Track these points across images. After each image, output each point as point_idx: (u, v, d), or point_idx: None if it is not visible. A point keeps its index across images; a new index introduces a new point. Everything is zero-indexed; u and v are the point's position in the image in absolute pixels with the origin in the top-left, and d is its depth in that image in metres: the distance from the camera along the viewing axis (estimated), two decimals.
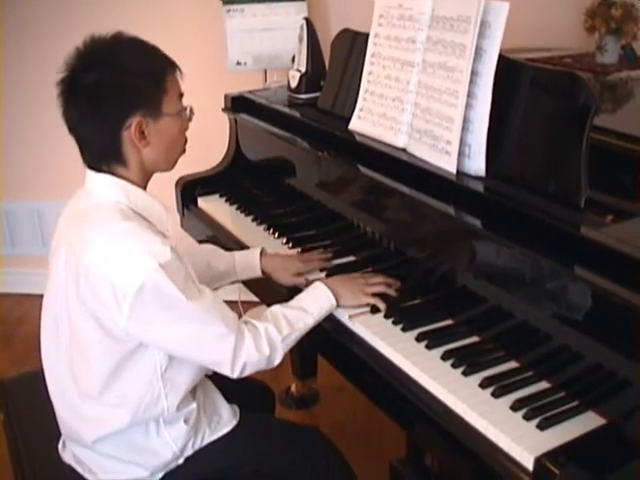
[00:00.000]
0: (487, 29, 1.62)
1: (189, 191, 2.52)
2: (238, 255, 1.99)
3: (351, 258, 1.99)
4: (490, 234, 1.54)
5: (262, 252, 1.97)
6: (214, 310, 1.52)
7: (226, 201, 2.46)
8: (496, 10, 1.60)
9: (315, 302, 1.69)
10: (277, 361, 1.60)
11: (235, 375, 1.56)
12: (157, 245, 1.45)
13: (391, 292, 1.76)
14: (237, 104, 2.51)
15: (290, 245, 2.10)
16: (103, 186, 1.54)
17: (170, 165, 1.63)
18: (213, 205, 2.46)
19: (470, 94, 1.65)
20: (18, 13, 3.47)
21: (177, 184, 2.54)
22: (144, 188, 1.59)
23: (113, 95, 1.48)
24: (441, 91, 1.72)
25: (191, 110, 1.63)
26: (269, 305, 1.69)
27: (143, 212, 1.55)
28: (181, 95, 1.59)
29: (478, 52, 1.63)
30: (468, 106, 1.66)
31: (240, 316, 1.60)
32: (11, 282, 3.89)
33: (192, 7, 3.24)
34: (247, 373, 1.57)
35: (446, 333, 1.62)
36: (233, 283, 2.02)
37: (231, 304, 1.62)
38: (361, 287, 1.75)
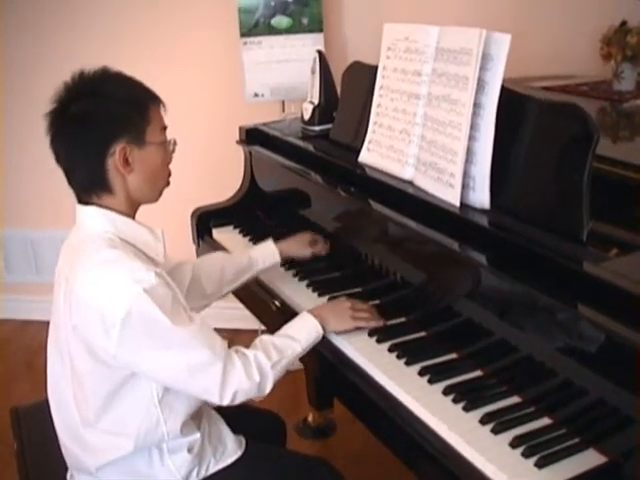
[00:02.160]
0: (489, 61, 1.62)
1: (204, 222, 2.53)
2: (252, 250, 2.10)
3: (358, 289, 1.99)
4: (493, 269, 1.54)
5: (274, 241, 2.11)
6: (201, 336, 1.53)
7: (239, 232, 2.48)
8: (498, 42, 1.60)
9: (302, 331, 1.71)
10: (268, 388, 1.61)
11: (225, 403, 1.56)
12: (141, 271, 1.47)
13: (376, 318, 1.79)
14: (251, 136, 2.53)
15: (299, 277, 2.10)
16: (91, 218, 1.58)
17: (155, 196, 1.66)
18: (227, 236, 2.48)
19: (473, 126, 1.65)
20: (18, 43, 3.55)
21: (193, 215, 2.56)
22: (132, 217, 1.62)
23: (98, 122, 1.53)
24: (445, 124, 1.72)
25: (174, 143, 1.67)
26: (265, 323, 1.71)
27: (131, 240, 1.58)
28: (164, 128, 1.64)
29: (481, 84, 1.63)
30: (472, 138, 1.65)
31: (230, 345, 1.60)
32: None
33: (211, 40, 3.29)
34: (238, 401, 1.58)
35: (449, 367, 1.61)
36: (256, 275, 2.08)
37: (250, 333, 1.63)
38: (348, 311, 1.78)
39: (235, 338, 3.38)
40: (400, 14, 2.91)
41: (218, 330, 1.62)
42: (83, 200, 1.59)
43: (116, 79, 1.60)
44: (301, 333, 1.70)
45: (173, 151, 1.67)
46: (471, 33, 1.62)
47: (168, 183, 1.67)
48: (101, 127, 1.53)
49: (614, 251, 1.46)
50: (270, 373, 1.60)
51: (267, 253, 2.07)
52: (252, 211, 2.55)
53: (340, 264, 2.10)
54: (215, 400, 1.56)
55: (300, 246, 2.10)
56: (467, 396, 1.49)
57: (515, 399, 1.49)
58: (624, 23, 2.63)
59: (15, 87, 3.60)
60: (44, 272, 3.64)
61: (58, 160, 1.58)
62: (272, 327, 2.05)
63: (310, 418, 2.98)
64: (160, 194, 1.67)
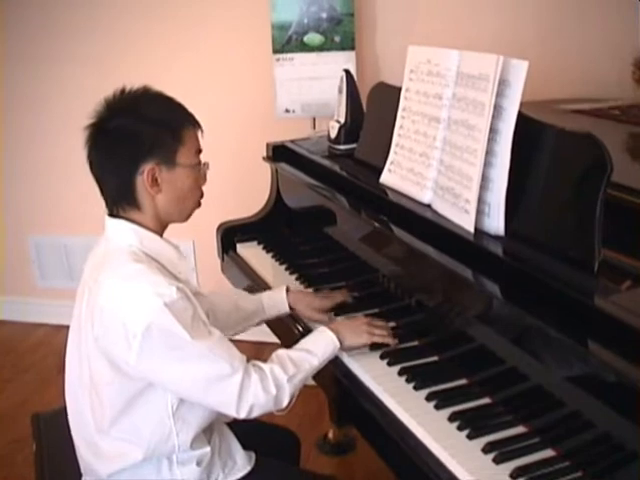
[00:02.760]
0: (507, 88, 1.61)
1: (229, 237, 2.56)
2: (265, 294, 2.05)
3: (374, 310, 1.99)
4: (504, 300, 1.53)
5: (288, 289, 2.03)
6: (220, 350, 1.55)
7: (263, 248, 2.50)
8: (515, 68, 1.60)
9: (319, 344, 1.71)
10: (285, 402, 1.62)
11: (242, 416, 1.57)
12: (163, 286, 1.50)
13: (390, 339, 1.79)
14: (278, 153, 2.55)
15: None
16: (119, 231, 1.62)
17: (183, 216, 1.69)
18: (250, 252, 2.50)
19: (490, 152, 1.64)
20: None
21: (218, 229, 2.59)
22: (160, 234, 1.66)
23: (129, 140, 1.57)
24: (462, 149, 1.71)
25: (207, 166, 1.69)
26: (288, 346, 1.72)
27: (155, 255, 1.61)
28: (199, 151, 1.67)
29: (498, 110, 1.63)
30: (488, 164, 1.65)
31: (248, 359, 1.62)
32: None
33: (244, 55, 3.33)
34: (255, 414, 1.59)
35: (457, 394, 1.60)
36: (260, 323, 2.06)
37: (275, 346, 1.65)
38: (364, 326, 1.78)
39: (260, 351, 3.41)
40: (433, 35, 2.93)
41: (243, 342, 1.63)
42: (113, 212, 1.64)
43: (154, 99, 1.64)
44: (318, 346, 1.71)
45: (205, 174, 1.70)
46: (489, 59, 1.62)
47: (199, 205, 1.70)
48: (132, 145, 1.56)
49: (626, 283, 1.44)
50: (287, 386, 1.60)
51: (277, 304, 2.02)
52: (277, 227, 2.57)
53: (359, 285, 2.10)
54: (232, 413, 1.57)
55: (309, 310, 1.99)
56: (472, 424, 1.49)
57: (520, 429, 1.47)
58: None
59: (49, 96, 3.68)
60: (77, 277, 3.69)
61: (91, 169, 1.63)
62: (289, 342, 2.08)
63: (330, 434, 2.98)
64: (189, 215, 1.70)
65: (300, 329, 2.00)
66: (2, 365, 3.69)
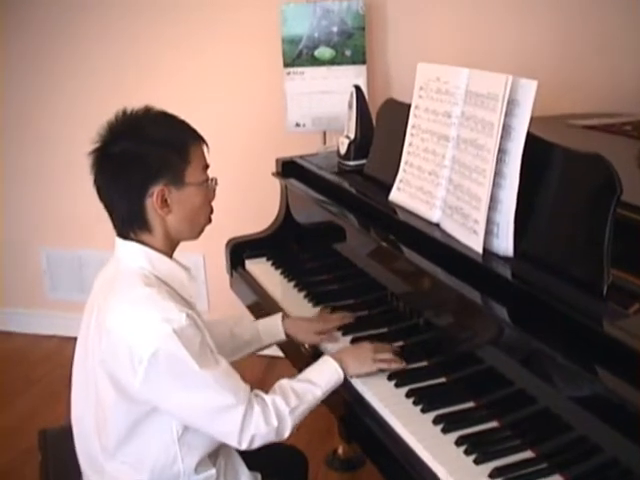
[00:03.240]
0: (516, 107, 1.60)
1: (238, 253, 2.55)
2: (261, 322, 2.03)
3: (383, 330, 1.98)
4: (512, 323, 1.51)
5: (283, 316, 2.02)
6: (225, 380, 1.54)
7: (272, 265, 2.49)
8: (524, 88, 1.58)
9: (322, 375, 1.70)
10: (287, 433, 1.61)
11: (243, 447, 1.57)
12: (173, 312, 1.49)
13: (398, 362, 1.77)
14: (287, 169, 2.54)
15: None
16: (129, 253, 1.61)
17: (195, 234, 1.68)
18: (259, 268, 2.49)
19: (499, 173, 1.63)
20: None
21: (227, 245, 2.58)
22: (170, 255, 1.65)
23: (136, 164, 1.55)
24: (471, 169, 1.70)
25: (215, 182, 1.68)
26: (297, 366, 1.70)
27: (166, 278, 1.60)
28: (206, 167, 1.65)
29: (507, 130, 1.61)
30: (497, 185, 1.63)
31: (251, 389, 1.61)
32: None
33: (254, 69, 3.33)
34: (256, 445, 1.58)
35: (464, 417, 1.59)
36: (257, 351, 2.03)
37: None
38: (369, 354, 1.76)
39: (272, 365, 3.41)
40: (445, 50, 2.92)
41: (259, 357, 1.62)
42: (122, 234, 1.63)
43: (157, 119, 1.62)
44: (321, 377, 1.69)
45: (214, 189, 1.69)
46: (498, 78, 1.61)
47: (210, 220, 1.70)
48: (139, 169, 1.55)
49: (634, 307, 1.42)
50: (289, 418, 1.59)
51: (273, 332, 2.00)
52: (286, 243, 2.56)
53: (367, 303, 2.08)
54: (233, 443, 1.57)
55: (307, 335, 1.98)
56: (479, 448, 1.47)
57: (528, 454, 1.45)
58: None
59: (61, 106, 3.70)
60: (87, 290, 3.68)
61: (99, 196, 1.61)
62: (296, 361, 2.11)
63: (340, 450, 2.96)
64: (201, 232, 1.69)
65: (306, 346, 2.00)
66: (12, 377, 3.68)
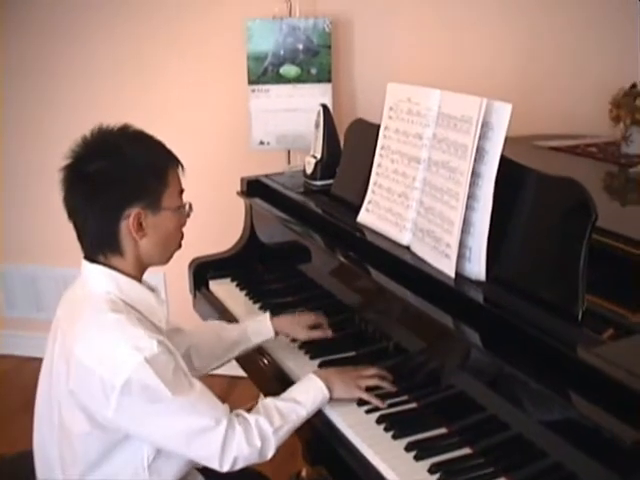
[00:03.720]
0: (489, 130, 1.58)
1: (201, 273, 2.50)
2: (249, 322, 2.00)
3: (352, 353, 1.94)
4: (484, 349, 1.49)
5: (271, 315, 2.01)
6: (202, 403, 1.49)
7: (237, 286, 2.44)
8: (499, 111, 1.57)
9: (308, 394, 1.65)
10: (270, 454, 1.56)
11: (225, 469, 1.52)
12: (143, 339, 1.44)
13: (386, 385, 1.73)
14: (252, 188, 2.50)
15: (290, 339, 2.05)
16: (96, 277, 1.55)
17: (165, 259, 1.63)
18: (223, 289, 2.44)
19: (472, 196, 1.61)
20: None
21: (190, 265, 2.52)
22: (139, 279, 1.60)
23: (115, 185, 1.50)
24: (443, 191, 1.68)
25: (190, 207, 1.64)
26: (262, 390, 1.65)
27: (135, 304, 1.54)
28: (181, 191, 1.61)
29: (480, 153, 1.59)
30: (469, 208, 1.61)
31: (232, 410, 1.56)
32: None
33: (219, 86, 3.28)
34: (239, 467, 1.53)
35: (437, 444, 1.55)
36: (244, 352, 1.99)
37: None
38: (355, 380, 1.71)
39: (234, 385, 3.36)
40: (411, 70, 2.91)
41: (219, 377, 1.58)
42: (90, 257, 1.57)
43: (136, 139, 1.57)
44: (307, 396, 1.65)
45: (188, 215, 1.65)
46: (472, 101, 1.59)
47: (180, 246, 1.65)
48: (117, 191, 1.50)
49: (609, 332, 1.41)
50: (272, 439, 1.55)
51: (262, 331, 1.98)
52: (251, 264, 2.52)
53: (335, 326, 2.05)
54: (215, 466, 1.51)
55: (298, 328, 1.98)
56: (452, 476, 1.44)
57: None
58: (634, 85, 2.60)
59: (17, 122, 3.59)
60: (45, 308, 3.64)
61: (70, 215, 1.55)
62: (257, 379, 2.07)
63: (304, 473, 2.90)
64: (170, 257, 1.64)
65: (266, 362, 1.98)
66: None
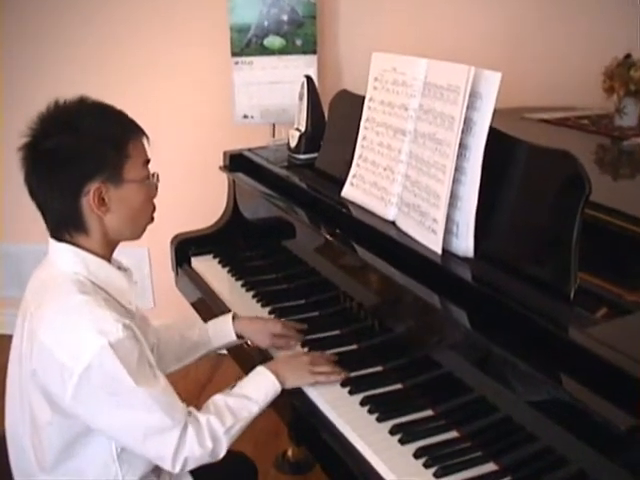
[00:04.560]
0: (478, 100, 1.51)
1: (183, 250, 2.43)
2: (211, 323, 1.92)
3: (336, 332, 1.89)
4: (472, 329, 1.43)
5: (234, 317, 1.91)
6: (163, 400, 1.43)
7: (219, 262, 2.38)
8: (488, 80, 1.50)
9: (259, 389, 1.59)
10: (221, 454, 1.51)
11: (176, 470, 1.46)
12: (109, 322, 1.37)
13: (337, 369, 1.68)
14: (235, 162, 2.44)
15: (274, 315, 2.01)
16: (63, 256, 1.49)
17: (137, 234, 1.57)
18: (205, 266, 2.38)
19: (459, 169, 1.54)
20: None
21: (172, 242, 2.46)
22: (108, 258, 1.53)
23: (70, 160, 1.43)
24: (430, 164, 1.61)
25: (157, 177, 1.56)
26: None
27: (103, 284, 1.49)
28: (147, 161, 1.53)
29: (468, 124, 1.53)
30: (457, 181, 1.55)
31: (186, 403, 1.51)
32: None
33: (201, 58, 3.19)
34: (189, 468, 1.49)
35: (423, 427, 1.50)
36: (208, 354, 1.93)
37: None
38: (306, 366, 1.67)
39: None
40: (398, 41, 2.82)
41: None
42: (56, 236, 1.50)
43: (93, 112, 1.48)
44: (258, 392, 1.59)
45: (156, 186, 1.57)
46: (459, 69, 1.52)
47: (152, 219, 1.58)
48: (74, 166, 1.43)
49: (602, 312, 1.36)
50: (224, 439, 1.50)
51: (223, 333, 1.90)
52: (234, 240, 2.45)
53: (318, 304, 1.99)
54: (167, 466, 1.46)
55: (261, 336, 1.88)
56: (439, 461, 1.39)
57: (491, 466, 1.38)
58: (628, 56, 2.52)
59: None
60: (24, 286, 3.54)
61: (32, 195, 1.48)
62: (240, 360, 2.03)
63: (290, 453, 2.86)
64: (142, 231, 1.57)
65: (249, 343, 1.91)
66: None
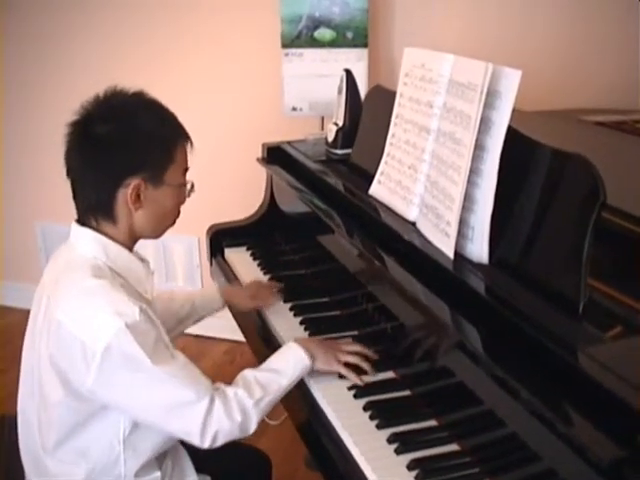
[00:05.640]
0: (497, 99, 1.44)
1: (218, 240, 2.42)
2: (198, 293, 2.02)
3: (354, 332, 1.85)
4: (480, 350, 1.35)
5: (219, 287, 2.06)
6: (183, 376, 1.43)
7: (251, 255, 2.36)
8: (507, 78, 1.42)
9: (288, 363, 1.58)
10: (252, 428, 1.49)
11: (206, 445, 1.45)
12: (125, 305, 1.38)
13: (365, 367, 1.65)
14: (273, 155, 2.40)
15: (294, 313, 1.98)
16: (85, 241, 1.50)
17: (157, 234, 1.58)
18: (237, 257, 2.36)
19: (475, 171, 1.48)
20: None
21: (208, 232, 2.45)
22: (130, 248, 1.54)
23: (120, 152, 1.44)
24: (447, 164, 1.55)
25: (192, 187, 1.58)
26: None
27: (121, 271, 1.49)
28: (186, 170, 1.55)
29: (487, 124, 1.46)
30: (473, 184, 1.48)
31: (213, 382, 1.49)
32: None
33: (251, 48, 3.17)
34: (220, 443, 1.47)
35: (422, 438, 1.45)
36: (196, 322, 1.97)
37: None
38: (336, 353, 1.64)
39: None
40: (454, 36, 2.76)
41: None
42: (82, 220, 1.51)
43: (149, 108, 1.50)
44: (287, 366, 1.58)
45: (189, 195, 1.58)
46: (477, 66, 1.45)
47: (173, 223, 1.59)
48: (122, 158, 1.44)
49: (614, 331, 1.28)
50: (253, 412, 1.48)
51: (211, 302, 1.99)
52: (269, 233, 2.43)
53: (341, 303, 1.95)
54: (195, 442, 1.45)
55: (243, 298, 2.01)
56: (432, 475, 1.33)
57: None
58: None
59: (57, 84, 3.57)
60: None
61: (68, 173, 1.50)
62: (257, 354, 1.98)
63: None
64: (163, 233, 1.59)
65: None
66: (7, 352, 3.58)
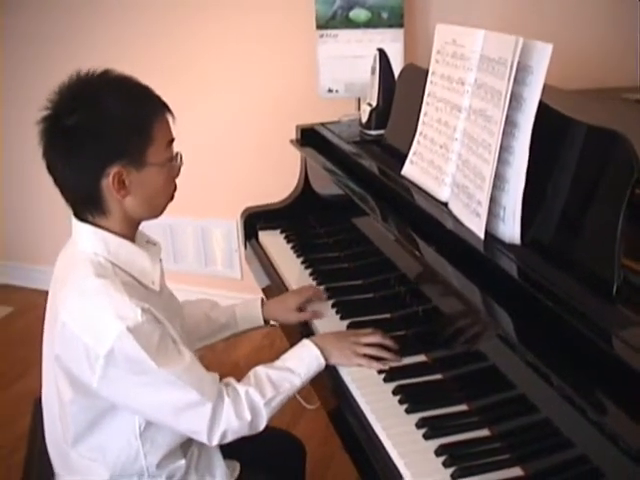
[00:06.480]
0: (529, 75, 1.39)
1: (252, 223, 2.41)
2: (239, 306, 1.89)
3: (386, 315, 1.82)
4: (512, 334, 1.31)
5: (263, 301, 1.89)
6: (188, 376, 1.40)
7: (285, 238, 2.34)
8: (538, 52, 1.37)
9: (302, 361, 1.56)
10: (262, 426, 1.48)
11: (214, 443, 1.45)
12: (127, 307, 1.35)
13: (386, 355, 1.62)
14: (307, 137, 2.37)
15: (327, 295, 1.95)
16: (85, 236, 1.46)
17: (156, 213, 1.52)
18: (271, 241, 2.35)
19: (507, 148, 1.43)
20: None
21: (242, 215, 2.44)
22: (131, 237, 1.50)
23: (93, 142, 1.37)
24: (478, 142, 1.51)
25: (180, 158, 1.51)
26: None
27: (124, 265, 1.45)
28: (171, 141, 1.48)
29: (518, 100, 1.41)
30: (504, 162, 1.44)
31: (221, 378, 1.48)
32: None
33: (287, 31, 3.15)
34: (229, 440, 1.46)
35: (452, 423, 1.42)
36: (234, 336, 1.90)
37: None
38: (352, 346, 1.61)
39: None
40: (493, 16, 2.69)
41: None
42: (78, 215, 1.47)
43: (117, 89, 1.42)
44: (301, 364, 1.56)
45: (180, 166, 1.52)
46: (507, 40, 1.40)
47: (172, 198, 1.53)
48: (96, 147, 1.37)
49: None
50: (263, 411, 1.46)
51: (251, 318, 1.88)
52: (303, 216, 2.40)
53: (374, 286, 1.93)
54: (203, 440, 1.44)
55: (288, 314, 1.87)
56: (459, 461, 1.30)
57: (516, 471, 1.28)
58: None
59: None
60: None
61: (49, 170, 1.44)
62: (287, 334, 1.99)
63: None
64: (163, 210, 1.53)
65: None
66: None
